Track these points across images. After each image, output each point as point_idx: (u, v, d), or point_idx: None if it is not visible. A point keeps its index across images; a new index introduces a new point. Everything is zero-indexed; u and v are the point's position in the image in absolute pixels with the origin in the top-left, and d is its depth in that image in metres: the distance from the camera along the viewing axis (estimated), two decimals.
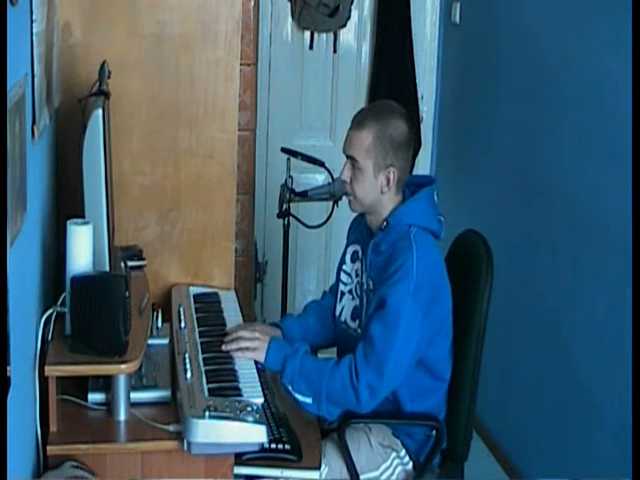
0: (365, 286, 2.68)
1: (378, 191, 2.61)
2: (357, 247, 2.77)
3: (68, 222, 2.27)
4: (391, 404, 2.63)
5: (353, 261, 2.78)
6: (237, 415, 2.18)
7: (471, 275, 2.69)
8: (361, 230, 2.75)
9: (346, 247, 2.84)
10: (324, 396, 2.50)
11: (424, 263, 2.52)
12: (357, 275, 2.75)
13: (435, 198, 2.67)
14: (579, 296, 3.32)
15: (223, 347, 2.56)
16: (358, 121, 2.61)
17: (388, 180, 2.60)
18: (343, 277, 2.81)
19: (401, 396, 2.61)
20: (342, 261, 2.83)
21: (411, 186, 2.69)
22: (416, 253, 2.52)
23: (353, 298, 2.75)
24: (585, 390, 3.26)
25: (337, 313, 2.80)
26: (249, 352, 2.56)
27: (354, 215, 2.83)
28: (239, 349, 2.56)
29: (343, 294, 2.80)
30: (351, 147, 2.61)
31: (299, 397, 2.52)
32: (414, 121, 4.77)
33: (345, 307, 2.78)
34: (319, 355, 2.77)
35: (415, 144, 4.74)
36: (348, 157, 2.63)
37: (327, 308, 2.88)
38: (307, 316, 2.91)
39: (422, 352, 2.56)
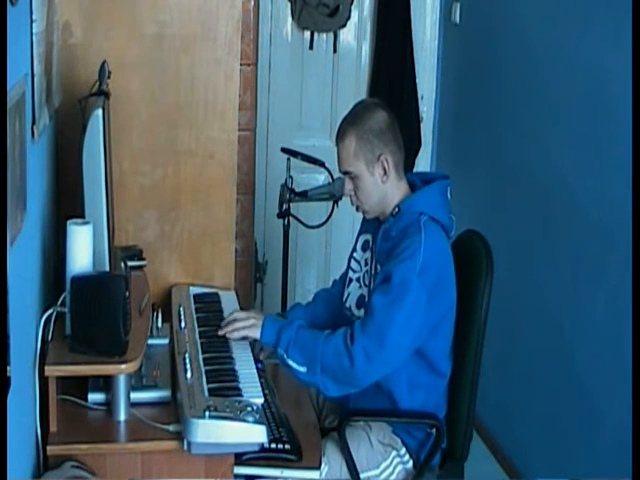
0: (374, 272, 2.68)
1: (380, 184, 2.62)
2: (368, 236, 2.77)
3: (68, 222, 2.27)
4: (388, 399, 2.62)
5: (364, 250, 2.78)
6: (237, 415, 2.18)
7: (471, 275, 2.69)
8: (373, 220, 2.76)
9: (358, 235, 2.84)
10: (318, 366, 2.49)
11: (431, 249, 2.52)
12: (366, 264, 2.75)
13: (448, 195, 2.68)
14: (579, 296, 3.32)
15: (219, 332, 2.59)
16: (340, 135, 2.65)
17: (384, 169, 2.61)
18: (353, 264, 2.81)
19: (399, 389, 2.60)
20: (353, 249, 2.84)
21: (425, 182, 2.70)
22: (424, 238, 2.52)
23: (360, 286, 2.75)
24: (585, 390, 3.26)
25: (343, 298, 2.81)
26: (244, 330, 2.58)
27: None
28: (234, 329, 2.58)
29: (351, 281, 2.80)
30: (342, 162, 2.65)
31: (293, 365, 2.51)
32: (414, 121, 4.78)
33: (351, 294, 2.78)
34: None
35: (415, 144, 4.78)
36: (344, 173, 2.66)
37: (336, 296, 2.89)
38: (316, 305, 2.94)
39: (423, 340, 2.55)
